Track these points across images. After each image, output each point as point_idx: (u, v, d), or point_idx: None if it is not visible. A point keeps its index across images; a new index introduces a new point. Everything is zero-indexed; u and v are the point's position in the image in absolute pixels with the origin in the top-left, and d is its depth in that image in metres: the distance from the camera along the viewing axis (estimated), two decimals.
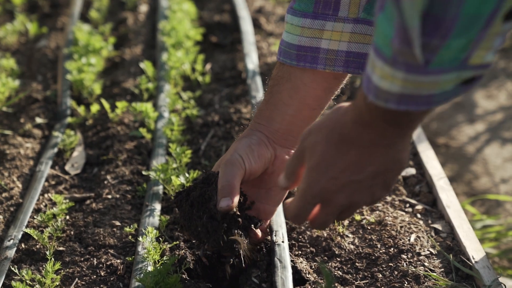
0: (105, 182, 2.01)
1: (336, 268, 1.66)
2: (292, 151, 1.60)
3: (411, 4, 1.01)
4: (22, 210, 1.86)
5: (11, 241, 1.75)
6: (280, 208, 1.75)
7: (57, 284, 1.61)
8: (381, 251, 1.71)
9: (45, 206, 1.93)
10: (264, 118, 1.61)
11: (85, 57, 2.61)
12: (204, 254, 1.63)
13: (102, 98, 2.48)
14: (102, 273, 1.66)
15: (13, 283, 1.54)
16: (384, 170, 1.27)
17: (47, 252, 1.70)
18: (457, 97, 1.17)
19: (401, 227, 1.79)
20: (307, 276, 1.62)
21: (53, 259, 1.65)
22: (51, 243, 1.74)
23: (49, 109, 2.46)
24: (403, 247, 1.71)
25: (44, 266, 1.66)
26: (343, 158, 1.26)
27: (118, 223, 1.83)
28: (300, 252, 1.72)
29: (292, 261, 1.65)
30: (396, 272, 1.64)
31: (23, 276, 1.60)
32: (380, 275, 1.63)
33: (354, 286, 1.61)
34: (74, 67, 2.52)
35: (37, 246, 1.76)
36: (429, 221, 1.84)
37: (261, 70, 2.62)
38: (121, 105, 2.31)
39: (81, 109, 2.37)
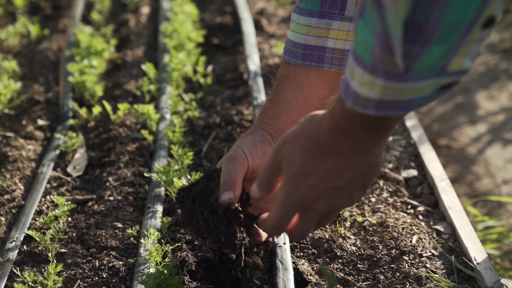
0: (107, 184, 2.02)
1: (338, 270, 1.67)
2: None
3: (395, 13, 1.01)
4: (24, 212, 1.87)
5: (13, 243, 1.75)
6: None
7: (59, 286, 1.62)
8: (383, 253, 1.71)
9: (47, 208, 1.94)
10: (269, 116, 1.61)
11: (87, 59, 2.62)
12: (206, 251, 1.62)
13: (104, 100, 2.48)
14: (104, 275, 1.66)
15: (15, 285, 1.54)
16: (363, 176, 1.29)
17: (49, 254, 1.70)
18: (434, 101, 1.18)
19: (402, 228, 1.79)
20: (309, 277, 1.62)
21: (55, 261, 1.65)
22: (53, 245, 1.75)
23: (51, 111, 2.46)
24: (405, 249, 1.72)
25: (46, 268, 1.66)
26: (321, 166, 1.27)
27: (120, 225, 1.83)
28: (302, 253, 1.72)
29: (293, 262, 1.65)
30: (398, 274, 1.64)
31: (25, 278, 1.60)
32: (382, 277, 1.63)
33: (356, 287, 1.61)
34: (76, 69, 2.52)
35: (39, 248, 1.76)
36: (431, 223, 1.84)
37: (263, 71, 2.62)
38: (123, 107, 2.31)
39: (83, 111, 2.37)
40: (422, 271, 1.64)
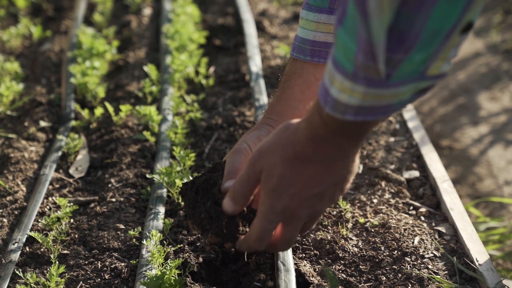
0: (109, 185, 2.02)
1: (340, 271, 1.67)
2: None
3: (379, 20, 1.01)
4: (26, 214, 1.87)
5: (16, 244, 1.75)
6: None
7: (62, 287, 1.62)
8: (384, 254, 1.71)
9: (50, 209, 1.94)
10: (275, 113, 1.60)
11: (89, 60, 2.62)
12: (206, 244, 1.60)
13: (106, 101, 2.49)
14: (107, 276, 1.67)
15: (18, 287, 1.55)
16: (343, 179, 1.31)
17: (52, 256, 1.70)
18: (412, 103, 1.20)
19: (404, 229, 1.79)
20: (311, 279, 1.62)
21: (57, 262, 1.65)
22: (55, 247, 1.75)
23: (53, 113, 2.47)
24: (407, 250, 1.72)
25: (48, 269, 1.66)
26: (301, 175, 1.28)
27: (122, 226, 1.83)
28: (303, 255, 1.72)
29: (295, 264, 1.65)
30: (400, 275, 1.64)
31: (27, 279, 1.60)
32: (384, 278, 1.63)
33: None
34: (78, 70, 2.53)
35: (42, 249, 1.76)
36: (433, 224, 1.84)
37: (265, 73, 2.62)
38: (125, 108, 2.32)
39: (85, 113, 2.38)
40: (424, 272, 1.64)
